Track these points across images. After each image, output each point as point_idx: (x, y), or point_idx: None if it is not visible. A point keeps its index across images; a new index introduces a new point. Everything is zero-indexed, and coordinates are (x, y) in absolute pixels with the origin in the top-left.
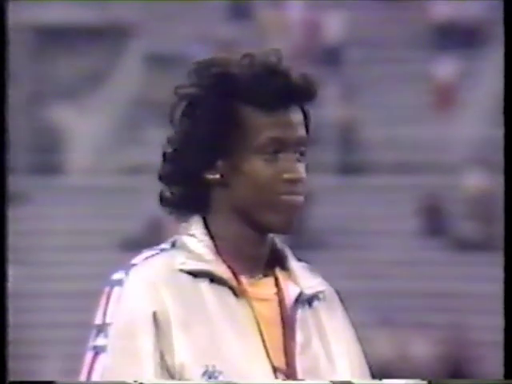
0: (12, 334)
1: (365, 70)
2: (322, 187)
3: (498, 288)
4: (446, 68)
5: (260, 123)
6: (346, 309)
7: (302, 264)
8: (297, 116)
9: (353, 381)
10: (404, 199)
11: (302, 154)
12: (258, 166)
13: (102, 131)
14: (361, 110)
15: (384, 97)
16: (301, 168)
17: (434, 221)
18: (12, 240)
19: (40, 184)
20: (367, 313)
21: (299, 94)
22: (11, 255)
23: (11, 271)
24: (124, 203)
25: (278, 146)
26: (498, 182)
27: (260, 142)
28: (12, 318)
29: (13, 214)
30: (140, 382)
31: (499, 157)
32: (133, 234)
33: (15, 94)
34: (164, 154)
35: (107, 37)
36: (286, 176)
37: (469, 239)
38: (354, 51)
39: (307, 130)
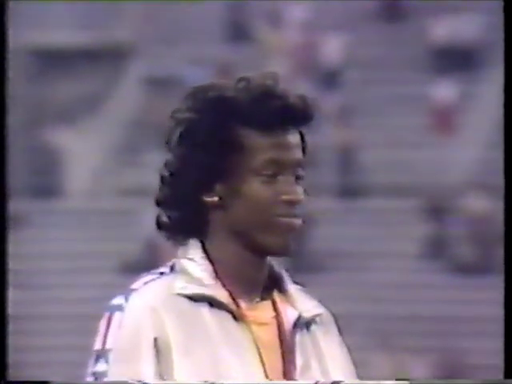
0: (11, 356)
1: (363, 92)
2: (321, 210)
3: (497, 311)
4: (444, 90)
5: (258, 145)
6: (341, 332)
7: (299, 287)
8: (295, 138)
9: (345, 380)
10: (403, 222)
11: (299, 176)
12: (256, 188)
13: (101, 154)
14: (360, 132)
15: (383, 119)
16: (299, 190)
17: (434, 244)
18: (11, 263)
19: (39, 207)
20: (366, 336)
21: (297, 115)
22: (11, 278)
23: (11, 294)
24: (122, 225)
25: (277, 168)
26: (496, 205)
27: (258, 164)
28: (11, 340)
29: (12, 236)
30: (143, 381)
31: (497, 180)
32: (131, 256)
33: (14, 117)
34: (161, 178)
35: (105, 60)
36: (284, 198)
37: (468, 262)
38: (352, 73)
39: (304, 153)
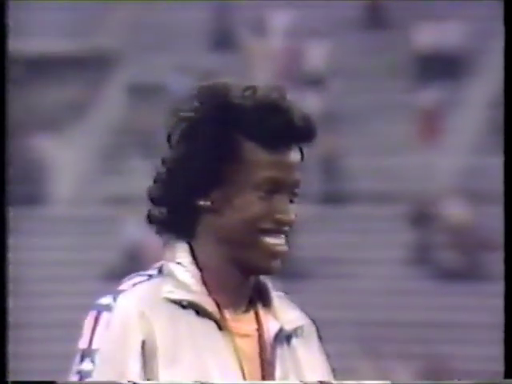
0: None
1: (347, 99)
2: (307, 217)
3: (483, 317)
4: (429, 97)
5: (259, 161)
6: (322, 340)
7: (280, 294)
8: (296, 157)
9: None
10: (387, 228)
11: (294, 194)
12: (251, 202)
13: (85, 161)
14: (344, 138)
15: (367, 126)
16: (292, 210)
17: (419, 250)
18: None
19: (23, 214)
20: (352, 342)
21: (301, 134)
22: None
23: None
24: (106, 233)
25: (275, 186)
26: (481, 211)
27: (258, 180)
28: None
29: None
30: (133, 381)
31: (482, 185)
32: (115, 263)
33: None
34: (157, 174)
35: (90, 67)
36: (277, 216)
37: (451, 268)
38: (336, 80)
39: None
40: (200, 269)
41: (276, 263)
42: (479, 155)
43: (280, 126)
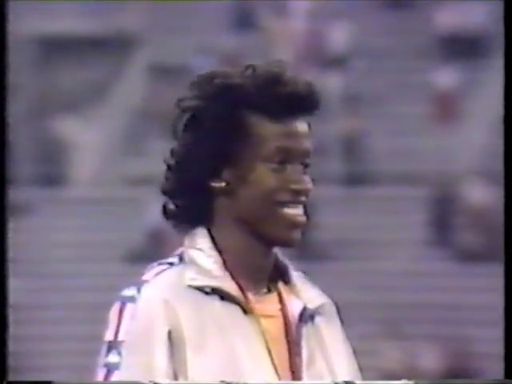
0: (12, 346)
1: (368, 80)
2: (327, 198)
3: (501, 299)
4: (448, 78)
5: (267, 132)
6: (342, 321)
7: (299, 274)
8: (303, 127)
9: (356, 381)
10: (408, 210)
11: (306, 165)
12: (264, 175)
13: (105, 142)
14: (365, 120)
15: (388, 107)
16: (307, 179)
17: (438, 231)
18: (13, 252)
19: (42, 195)
20: (374, 324)
21: (305, 103)
22: (12, 267)
23: (12, 283)
24: (127, 214)
25: (286, 156)
26: (500, 193)
27: (267, 151)
28: (13, 329)
29: (15, 225)
30: (154, 381)
31: (501, 167)
32: (136, 245)
33: (17, 105)
34: (168, 167)
35: (110, 48)
36: (293, 186)
37: (472, 250)
38: (357, 61)
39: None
40: (221, 253)
41: (297, 234)
42: (499, 136)
43: (283, 96)
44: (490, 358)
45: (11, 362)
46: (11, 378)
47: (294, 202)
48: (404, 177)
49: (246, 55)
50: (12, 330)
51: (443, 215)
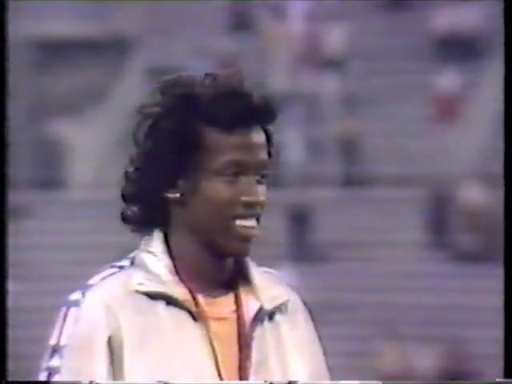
0: (12, 349)
1: (366, 82)
2: (325, 200)
3: (499, 300)
4: (447, 80)
5: (221, 145)
6: (314, 319)
7: (265, 270)
8: (258, 138)
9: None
10: (406, 211)
11: (263, 176)
12: (217, 188)
13: (103, 145)
14: (363, 121)
15: (385, 109)
16: (260, 191)
17: (437, 233)
18: (13, 254)
19: (41, 198)
20: (370, 326)
21: (260, 115)
22: (11, 270)
23: (11, 286)
24: None
25: (238, 169)
26: (499, 194)
27: (220, 165)
28: (12, 332)
29: (14, 228)
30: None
31: (500, 168)
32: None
33: (16, 108)
34: (126, 173)
35: (108, 50)
36: (245, 199)
37: (470, 251)
38: (355, 63)
39: (270, 152)
40: (173, 258)
41: (247, 246)
42: (498, 137)
43: (237, 108)
44: (488, 359)
45: (10, 364)
46: (10, 379)
47: (246, 215)
48: (402, 178)
49: (242, 57)
50: (11, 333)
51: (442, 217)
